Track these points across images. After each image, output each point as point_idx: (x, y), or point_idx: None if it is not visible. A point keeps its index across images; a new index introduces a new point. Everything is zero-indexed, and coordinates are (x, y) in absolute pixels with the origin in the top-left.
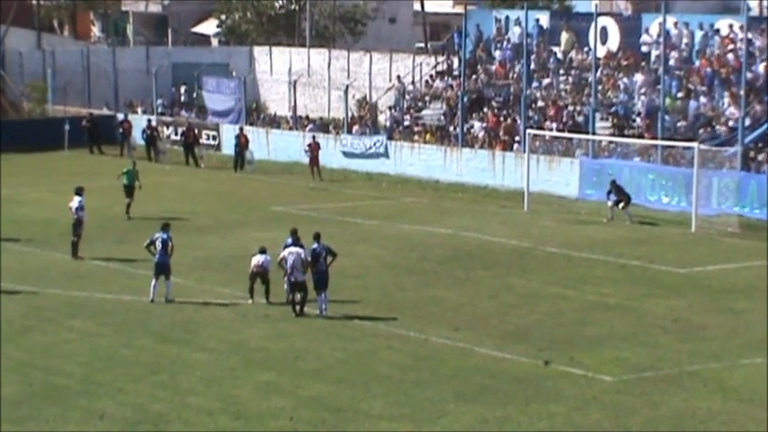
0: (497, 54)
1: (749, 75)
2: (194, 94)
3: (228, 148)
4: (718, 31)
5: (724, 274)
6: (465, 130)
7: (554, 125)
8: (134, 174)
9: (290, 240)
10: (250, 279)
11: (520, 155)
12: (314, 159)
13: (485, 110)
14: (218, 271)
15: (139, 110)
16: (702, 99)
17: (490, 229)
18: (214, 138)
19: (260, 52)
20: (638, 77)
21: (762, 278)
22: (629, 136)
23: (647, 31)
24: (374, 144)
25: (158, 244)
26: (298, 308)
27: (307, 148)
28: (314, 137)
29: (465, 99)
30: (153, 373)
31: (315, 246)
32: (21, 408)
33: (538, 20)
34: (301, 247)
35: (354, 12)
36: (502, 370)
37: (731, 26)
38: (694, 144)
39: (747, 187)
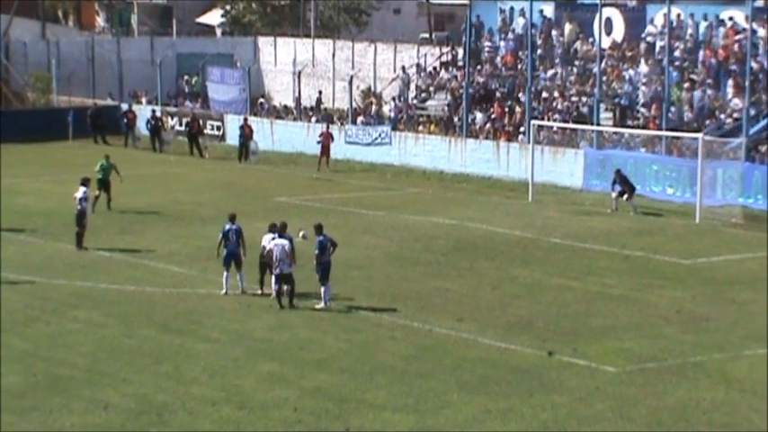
0: (502, 45)
1: (754, 65)
2: (193, 82)
3: (233, 139)
4: (722, 21)
5: (728, 265)
6: (469, 120)
7: (558, 116)
8: (109, 167)
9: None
10: (260, 270)
11: (524, 146)
12: (325, 149)
13: (490, 101)
14: (221, 261)
15: (144, 100)
16: (707, 90)
17: (494, 220)
18: (218, 128)
19: (264, 43)
20: (643, 68)
21: (765, 269)
22: (633, 127)
23: (651, 21)
24: (379, 135)
25: (231, 235)
26: (285, 300)
27: (319, 138)
28: (327, 126)
29: (469, 90)
30: (156, 364)
31: (321, 237)
32: (24, 398)
33: (542, 10)
34: (289, 240)
35: (359, 2)
36: (505, 361)
37: (736, 17)
38: (699, 135)
39: (752, 178)
